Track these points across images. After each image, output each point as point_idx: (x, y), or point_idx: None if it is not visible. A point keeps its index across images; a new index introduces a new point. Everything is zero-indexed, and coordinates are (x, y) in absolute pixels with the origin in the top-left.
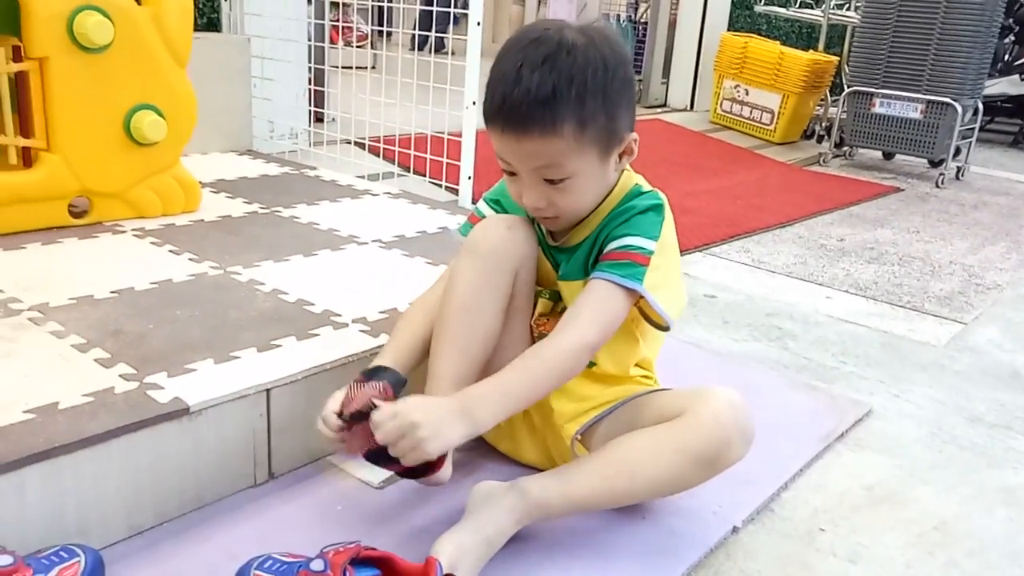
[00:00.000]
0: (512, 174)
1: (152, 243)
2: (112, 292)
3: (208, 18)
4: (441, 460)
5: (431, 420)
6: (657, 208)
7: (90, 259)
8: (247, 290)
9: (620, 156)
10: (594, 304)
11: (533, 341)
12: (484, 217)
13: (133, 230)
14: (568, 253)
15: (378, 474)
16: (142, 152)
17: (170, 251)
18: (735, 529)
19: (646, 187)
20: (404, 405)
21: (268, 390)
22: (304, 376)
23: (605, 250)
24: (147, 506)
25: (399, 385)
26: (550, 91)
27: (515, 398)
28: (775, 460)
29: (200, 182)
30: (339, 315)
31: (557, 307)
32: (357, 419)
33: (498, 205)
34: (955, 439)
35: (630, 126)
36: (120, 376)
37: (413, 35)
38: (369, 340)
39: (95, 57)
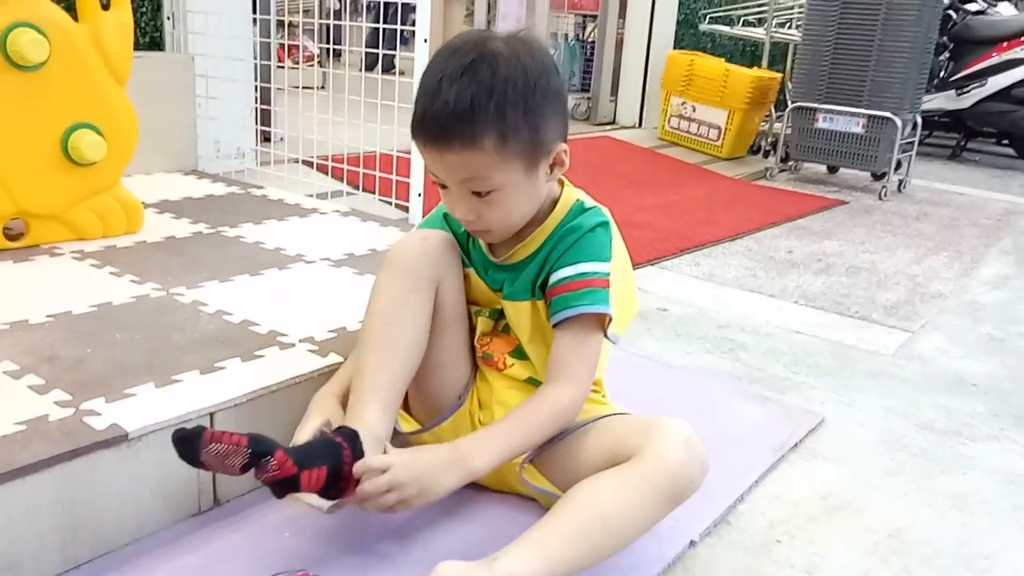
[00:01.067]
0: (443, 186)
1: (92, 265)
2: (48, 316)
3: (150, 37)
4: (350, 484)
5: (420, 477)
6: (604, 226)
7: (26, 283)
8: (190, 312)
9: (551, 168)
10: (574, 354)
11: (475, 362)
12: None
13: (72, 252)
14: (512, 271)
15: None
16: (81, 172)
17: (111, 273)
18: (692, 543)
19: (589, 202)
20: (396, 462)
21: (212, 414)
22: (249, 399)
23: (557, 279)
24: (85, 538)
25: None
26: (468, 104)
27: (512, 449)
28: (730, 472)
29: (143, 203)
30: (285, 335)
31: (499, 325)
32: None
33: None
34: (906, 446)
35: (560, 136)
36: (55, 403)
37: (363, 55)
38: (317, 360)
39: (30, 75)
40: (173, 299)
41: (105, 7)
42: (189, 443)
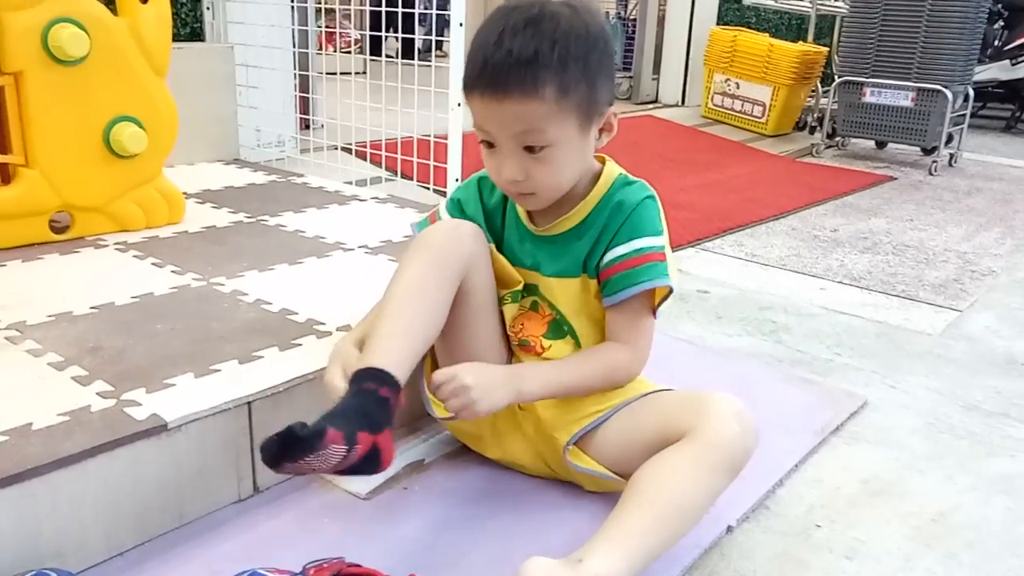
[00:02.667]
0: (490, 146)
1: (134, 256)
2: (92, 308)
3: (191, 28)
4: (388, 457)
5: (482, 383)
6: (652, 199)
7: (71, 275)
8: (230, 301)
9: (600, 132)
10: (634, 320)
11: (511, 348)
12: (440, 218)
13: (115, 244)
14: (553, 244)
15: (366, 484)
16: (123, 164)
17: (152, 264)
18: (729, 528)
19: (631, 178)
20: (460, 369)
21: (249, 403)
22: (286, 387)
23: (614, 258)
24: (127, 526)
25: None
26: (532, 53)
27: (562, 384)
28: (770, 456)
29: (185, 193)
30: (323, 323)
31: (524, 303)
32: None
33: (458, 206)
34: (952, 428)
35: (610, 100)
36: (97, 394)
37: (404, 39)
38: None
39: (72, 70)
40: (213, 289)
41: (144, 1)
42: (302, 443)
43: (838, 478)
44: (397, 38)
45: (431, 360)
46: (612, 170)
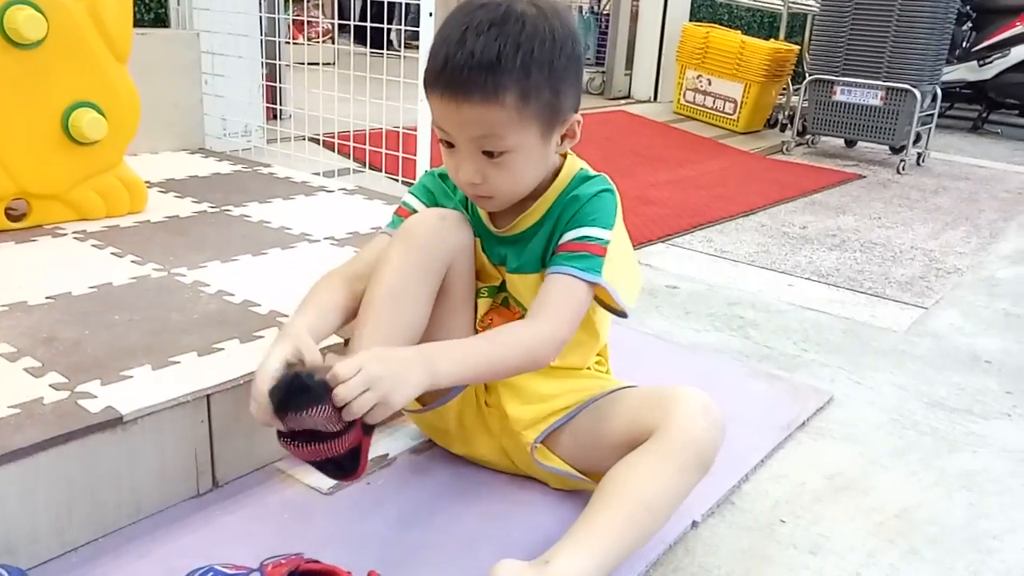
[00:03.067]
0: (450, 145)
1: (94, 246)
2: (48, 298)
3: (155, 14)
4: (363, 463)
5: (392, 371)
6: (609, 192)
7: (26, 264)
8: (191, 292)
9: (562, 138)
10: (561, 298)
11: None
12: (412, 209)
13: (74, 233)
14: (515, 244)
15: (326, 480)
16: (82, 151)
17: (112, 254)
18: (695, 524)
19: (591, 171)
20: (365, 359)
21: (208, 396)
22: (246, 380)
23: (562, 240)
24: (80, 521)
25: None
26: (494, 56)
27: (477, 363)
28: (736, 452)
29: (148, 182)
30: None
31: (497, 299)
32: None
33: (428, 193)
34: (916, 424)
35: (575, 106)
36: (50, 386)
37: (359, 29)
38: None
39: (28, 53)
40: (174, 280)
41: None
42: (310, 392)
43: (803, 474)
44: (392, 29)
45: None
46: (572, 165)
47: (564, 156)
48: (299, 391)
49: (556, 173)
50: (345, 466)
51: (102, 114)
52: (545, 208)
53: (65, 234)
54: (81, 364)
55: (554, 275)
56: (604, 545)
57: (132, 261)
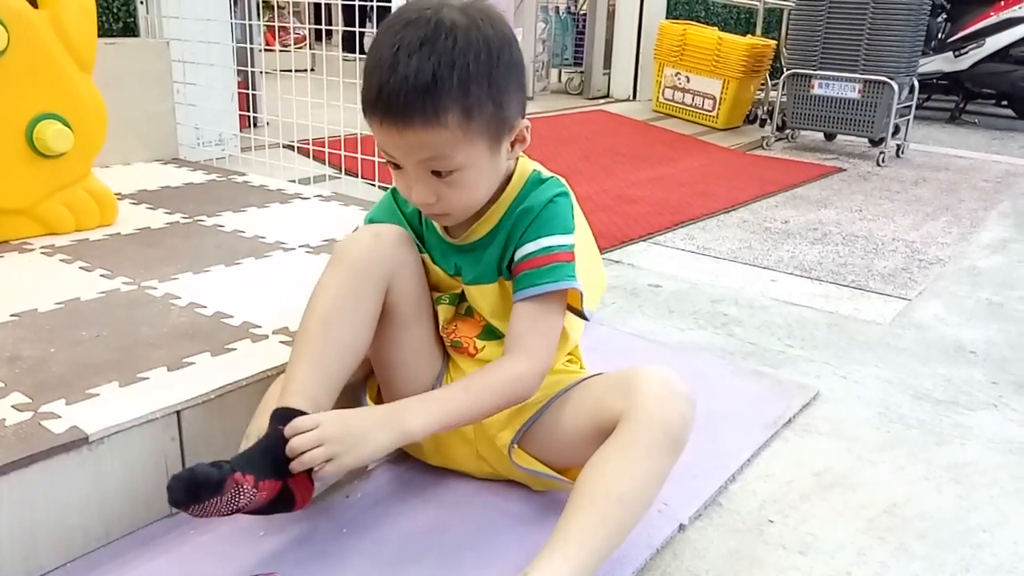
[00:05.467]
0: (398, 167)
1: (62, 260)
2: (12, 315)
3: (124, 23)
4: (304, 496)
5: (350, 431)
6: (563, 195)
7: None
8: (161, 306)
9: (512, 144)
10: (534, 327)
11: (446, 351)
12: None
13: (42, 248)
14: (471, 253)
15: None
16: (48, 164)
17: (81, 268)
18: (682, 527)
19: (545, 173)
20: (325, 418)
21: (179, 412)
22: (218, 395)
23: (522, 256)
24: (46, 546)
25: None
26: (429, 78)
27: (452, 414)
28: (722, 451)
29: (119, 194)
30: (259, 327)
31: (460, 309)
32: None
33: (386, 214)
34: (902, 418)
35: (520, 112)
36: (12, 407)
37: (346, 34)
38: (289, 352)
39: None
40: (144, 293)
41: None
42: (207, 486)
43: (790, 471)
44: (366, 33)
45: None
46: (524, 168)
47: (516, 157)
48: (197, 486)
49: (509, 178)
50: (276, 510)
51: (68, 126)
52: (499, 215)
53: (33, 249)
54: (46, 383)
55: (524, 301)
56: (580, 548)
57: (101, 275)
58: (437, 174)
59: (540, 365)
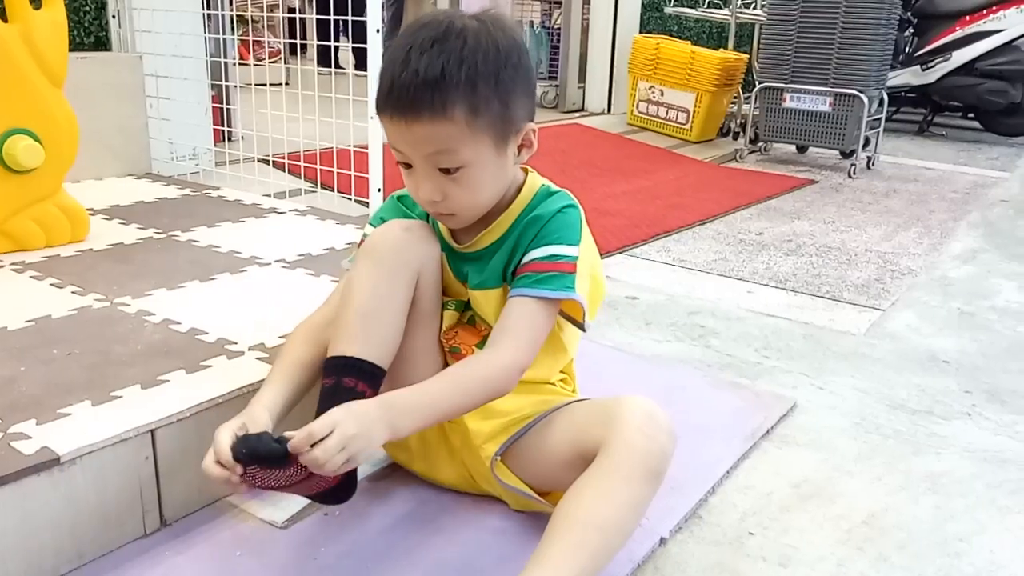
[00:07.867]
0: (408, 166)
1: (32, 277)
2: None
3: (95, 37)
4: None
5: (364, 430)
6: (573, 207)
7: None
8: (134, 322)
9: (519, 149)
10: (523, 322)
11: (444, 354)
12: None
13: (12, 264)
14: (478, 260)
15: (281, 512)
16: (18, 180)
17: (52, 285)
18: (663, 541)
19: (554, 188)
20: (339, 417)
21: (153, 431)
22: (193, 413)
23: (527, 259)
24: (16, 570)
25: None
26: (438, 73)
27: (439, 410)
28: (702, 464)
29: (91, 209)
30: (234, 343)
31: (464, 317)
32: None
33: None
34: (879, 428)
35: (529, 116)
36: None
37: (321, 48)
38: (266, 368)
39: None
40: (117, 310)
41: (36, 6)
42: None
43: (770, 483)
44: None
45: None
46: (534, 182)
47: (526, 172)
48: (265, 450)
49: (519, 190)
50: (335, 497)
51: (38, 141)
52: (507, 225)
53: (2, 266)
54: (16, 403)
55: (517, 298)
56: (556, 574)
57: (73, 292)
58: (445, 172)
59: (523, 360)
